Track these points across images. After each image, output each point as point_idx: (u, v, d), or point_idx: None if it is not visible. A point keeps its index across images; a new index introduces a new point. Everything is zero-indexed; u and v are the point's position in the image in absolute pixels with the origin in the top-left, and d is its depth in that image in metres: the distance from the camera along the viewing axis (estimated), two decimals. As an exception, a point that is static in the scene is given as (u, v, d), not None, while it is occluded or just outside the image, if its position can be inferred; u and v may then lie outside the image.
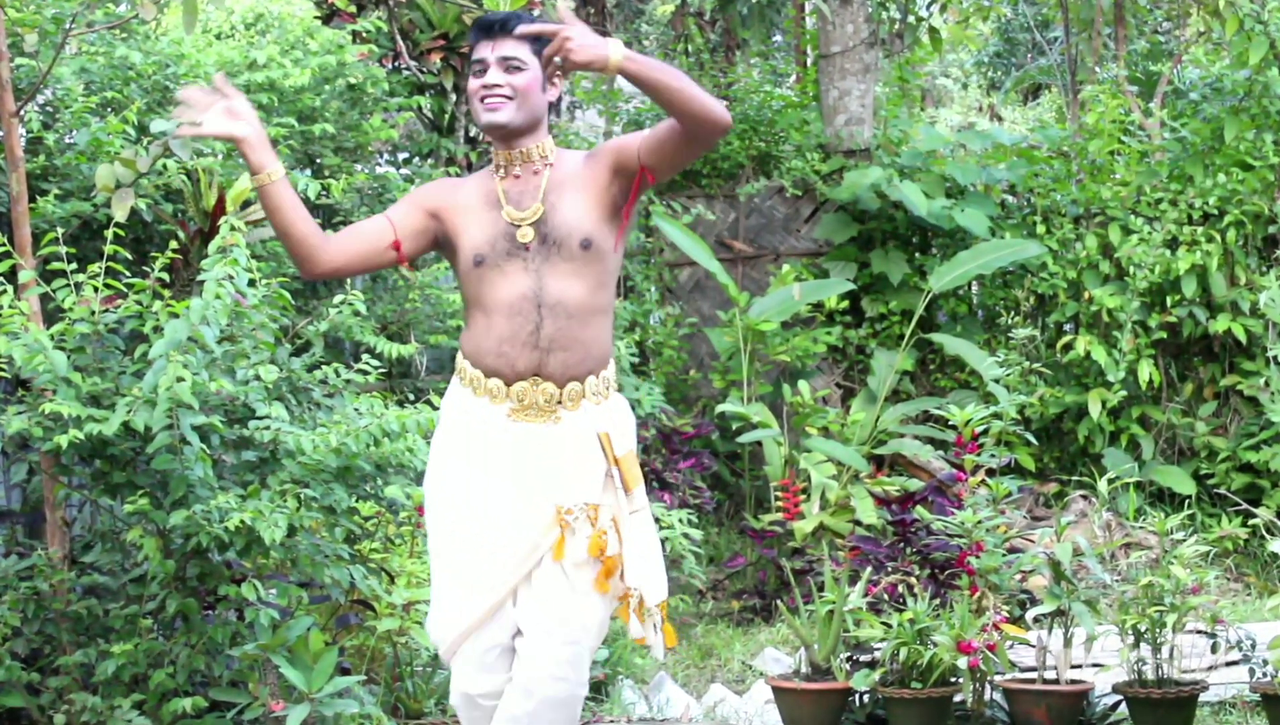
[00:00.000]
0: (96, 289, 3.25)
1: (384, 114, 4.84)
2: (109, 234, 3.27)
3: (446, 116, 5.58)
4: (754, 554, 5.39)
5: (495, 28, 2.35)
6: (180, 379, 3.05)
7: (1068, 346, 6.06)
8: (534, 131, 2.39)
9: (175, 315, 3.17)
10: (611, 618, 2.40)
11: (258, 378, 3.31)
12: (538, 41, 2.35)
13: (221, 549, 3.24)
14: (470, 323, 2.40)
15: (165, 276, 3.35)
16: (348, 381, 3.55)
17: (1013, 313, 6.21)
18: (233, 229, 3.30)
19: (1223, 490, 5.71)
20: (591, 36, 2.20)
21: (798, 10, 8.02)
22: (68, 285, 3.26)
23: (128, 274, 3.31)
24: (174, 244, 3.43)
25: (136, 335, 3.33)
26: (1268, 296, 5.40)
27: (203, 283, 3.24)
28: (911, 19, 7.45)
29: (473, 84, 2.38)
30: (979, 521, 3.74)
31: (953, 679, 3.67)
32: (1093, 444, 6.00)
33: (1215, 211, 6.02)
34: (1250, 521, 4.68)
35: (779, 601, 4.58)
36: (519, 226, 2.35)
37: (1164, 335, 6.01)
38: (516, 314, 2.33)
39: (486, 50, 2.36)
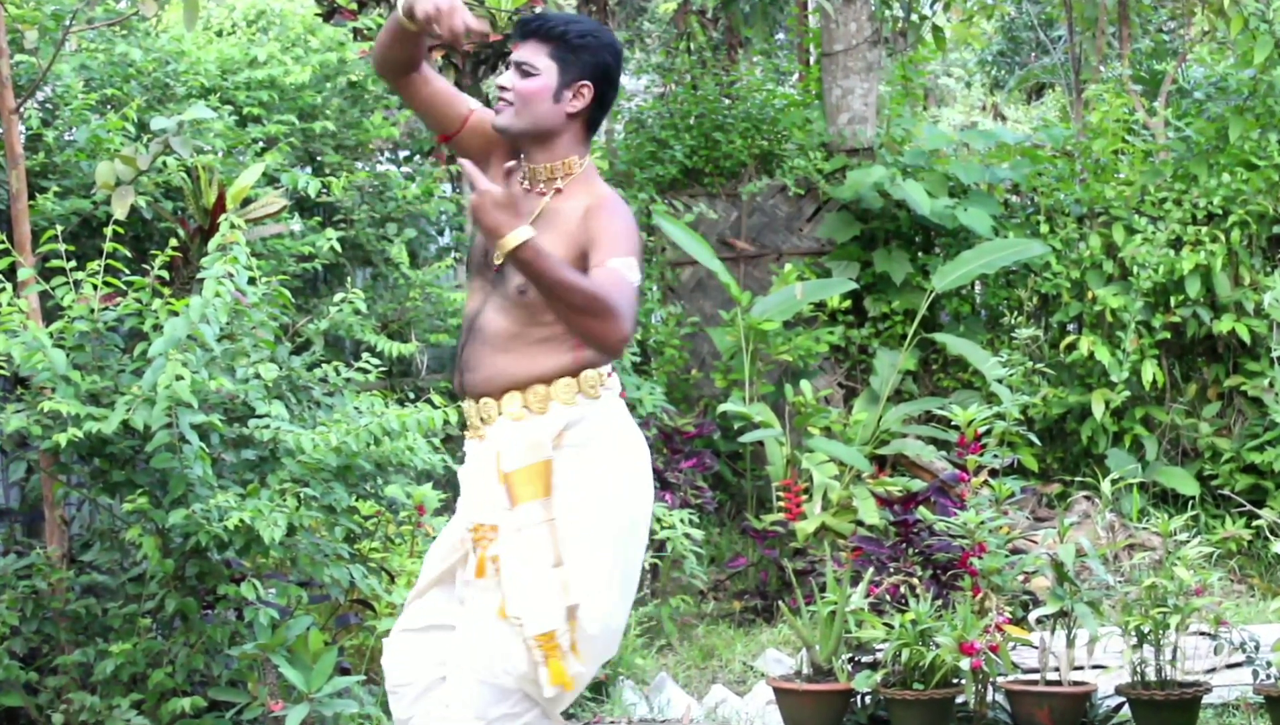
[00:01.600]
0: (96, 287, 3.23)
1: (385, 111, 4.82)
2: (108, 231, 3.25)
3: (448, 114, 5.54)
4: (756, 554, 5.37)
5: (521, 29, 2.23)
6: (179, 377, 3.03)
7: (1071, 347, 6.04)
8: (543, 145, 2.22)
9: (175, 313, 3.15)
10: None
11: (257, 376, 3.29)
12: (562, 46, 2.20)
13: (221, 548, 3.22)
14: None
15: (165, 274, 3.33)
16: (348, 380, 3.54)
17: (1016, 313, 6.19)
18: (233, 227, 3.28)
19: (1226, 491, 5.69)
20: (503, 213, 2.01)
21: (800, 8, 7.99)
22: (67, 283, 3.24)
23: (127, 272, 3.30)
24: (174, 242, 3.42)
25: (136, 333, 3.32)
26: (1272, 297, 5.38)
27: (202, 281, 3.22)
28: (915, 17, 7.43)
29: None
30: (981, 522, 3.73)
31: (955, 680, 3.66)
32: (1096, 445, 5.97)
33: (1219, 211, 5.99)
34: (1254, 523, 4.67)
35: (780, 602, 4.56)
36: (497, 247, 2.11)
37: (1168, 335, 5.99)
38: (462, 331, 2.30)
39: (514, 52, 2.25)
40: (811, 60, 7.55)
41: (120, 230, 3.32)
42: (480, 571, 2.17)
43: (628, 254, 2.13)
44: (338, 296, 3.70)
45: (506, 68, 2.31)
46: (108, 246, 3.23)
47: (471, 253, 2.31)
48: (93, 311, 3.21)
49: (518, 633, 2.14)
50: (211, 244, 3.27)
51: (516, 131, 2.23)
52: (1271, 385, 5.81)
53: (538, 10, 2.53)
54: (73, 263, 3.24)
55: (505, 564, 2.16)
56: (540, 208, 2.23)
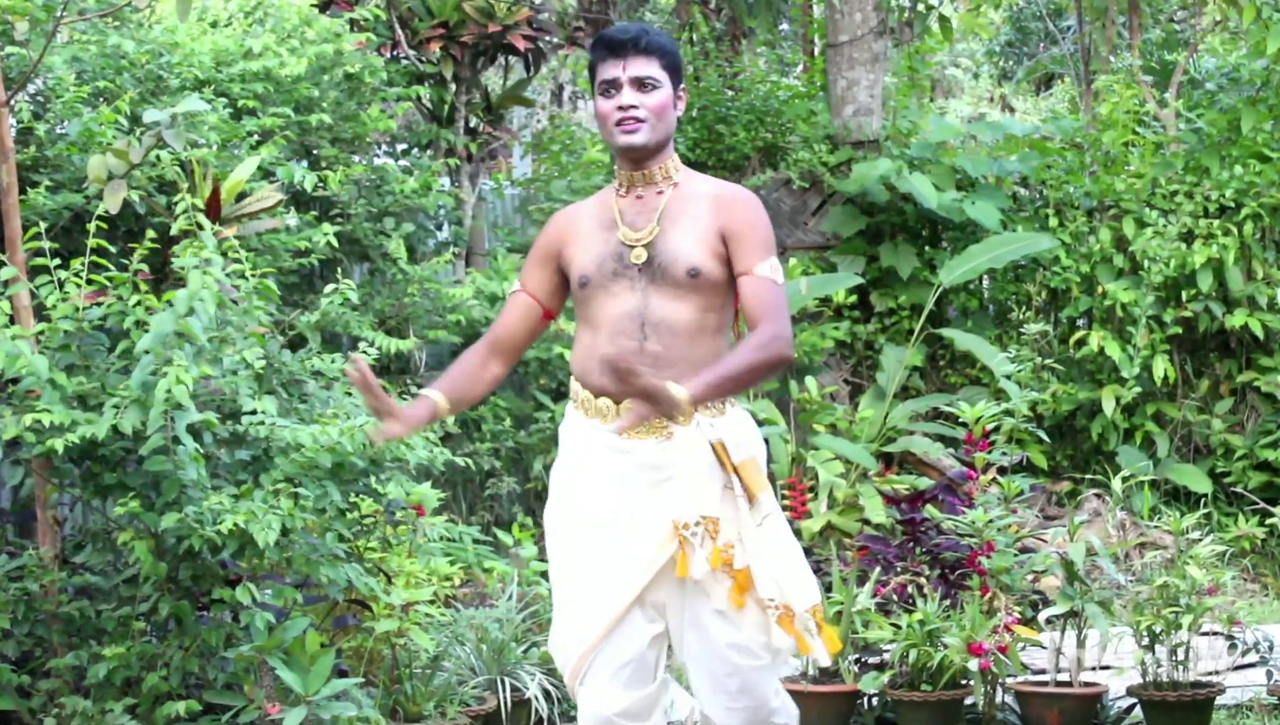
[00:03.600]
0: (79, 285, 3.18)
1: (382, 104, 4.77)
2: (91, 227, 3.20)
3: (446, 107, 5.50)
4: (760, 552, 5.31)
5: (627, 45, 2.33)
6: (179, 382, 2.98)
7: (1081, 342, 5.97)
8: (660, 151, 2.40)
9: (152, 309, 3.10)
10: None
11: (246, 365, 3.23)
12: (666, 56, 2.35)
13: (214, 552, 3.18)
14: (578, 339, 2.44)
15: (145, 268, 3.27)
16: (343, 371, 3.49)
17: (1025, 307, 6.12)
18: (223, 222, 3.23)
19: (1239, 489, 5.63)
20: (666, 396, 2.19)
21: (805, -1, 7.92)
22: (51, 282, 3.19)
23: (113, 269, 3.24)
24: (151, 234, 3.34)
25: (122, 332, 3.26)
26: (1285, 290, 5.31)
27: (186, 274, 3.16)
28: (921, 7, 7.36)
29: (604, 105, 2.35)
30: (990, 521, 3.68)
31: (963, 681, 3.61)
32: (1106, 441, 5.91)
33: (1232, 204, 5.93)
34: (1268, 521, 4.60)
35: (785, 601, 4.49)
36: (633, 247, 2.35)
37: (1179, 330, 5.93)
38: (620, 333, 2.34)
39: (616, 69, 2.33)
40: (816, 51, 7.48)
41: (104, 225, 3.26)
42: (718, 563, 2.29)
43: (769, 254, 2.33)
44: (328, 288, 3.64)
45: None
46: (91, 242, 3.19)
47: (596, 265, 2.36)
48: (79, 310, 3.16)
49: (773, 613, 2.30)
50: (185, 242, 3.20)
51: (651, 146, 2.37)
52: (1285, 380, 5.73)
53: (612, 23, 2.59)
54: (56, 261, 3.20)
55: (752, 551, 2.31)
56: (664, 203, 2.38)
